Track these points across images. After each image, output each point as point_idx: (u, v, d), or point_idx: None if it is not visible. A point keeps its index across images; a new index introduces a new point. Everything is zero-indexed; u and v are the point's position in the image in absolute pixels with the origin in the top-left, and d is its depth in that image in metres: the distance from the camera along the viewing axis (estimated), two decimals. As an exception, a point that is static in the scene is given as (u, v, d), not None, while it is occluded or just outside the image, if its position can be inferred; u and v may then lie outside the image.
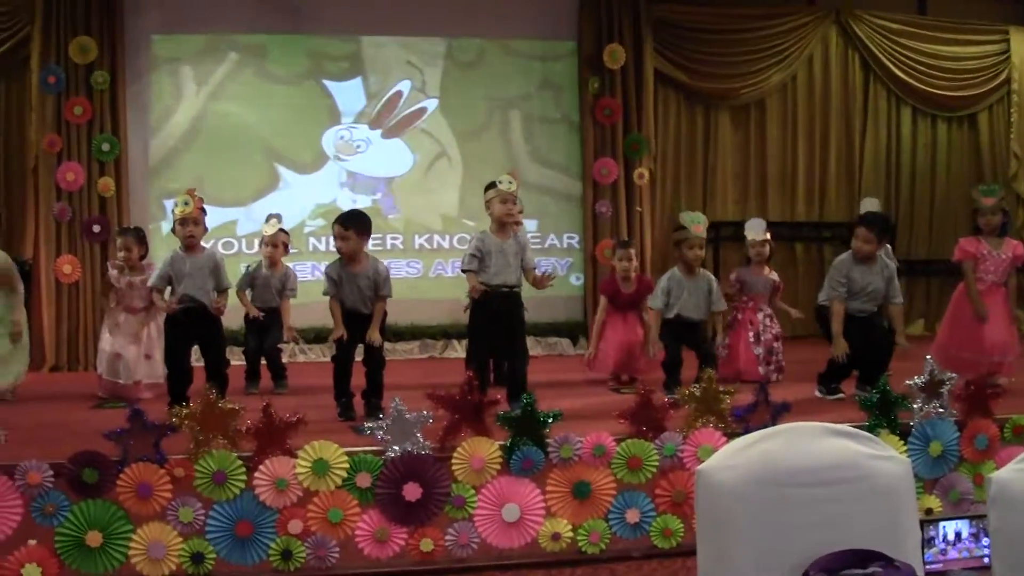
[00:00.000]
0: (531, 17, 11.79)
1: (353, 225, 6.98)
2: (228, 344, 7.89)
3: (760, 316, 8.68)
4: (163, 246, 8.06)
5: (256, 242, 9.04)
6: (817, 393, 7.67)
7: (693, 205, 11.69)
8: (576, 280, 11.80)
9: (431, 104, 11.64)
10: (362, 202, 10.97)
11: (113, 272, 8.20)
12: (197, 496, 4.77)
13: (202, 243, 7.48)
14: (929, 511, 5.46)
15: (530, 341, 10.20)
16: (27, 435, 6.16)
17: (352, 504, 4.88)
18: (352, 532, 4.87)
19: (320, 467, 4.84)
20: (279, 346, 8.57)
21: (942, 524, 3.19)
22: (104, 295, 8.54)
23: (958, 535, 3.18)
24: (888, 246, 8.78)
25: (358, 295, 6.93)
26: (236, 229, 10.95)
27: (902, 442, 5.48)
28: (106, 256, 9.96)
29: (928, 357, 5.76)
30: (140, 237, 8.23)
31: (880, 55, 12.76)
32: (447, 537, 4.95)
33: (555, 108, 11.87)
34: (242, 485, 4.80)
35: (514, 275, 7.24)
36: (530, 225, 10.95)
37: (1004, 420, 5.83)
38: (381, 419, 5.03)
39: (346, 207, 9.82)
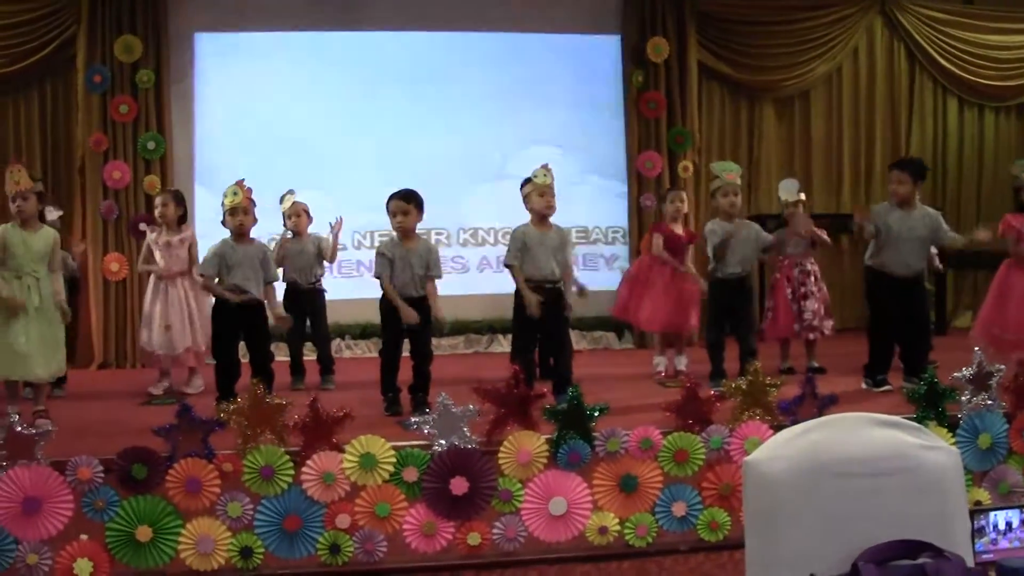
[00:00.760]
0: (574, 11, 11.75)
1: (414, 200, 7.11)
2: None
3: (796, 272, 8.64)
4: (207, 243, 8.10)
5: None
6: (864, 385, 7.64)
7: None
8: (622, 273, 11.77)
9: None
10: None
11: (152, 235, 8.30)
12: (245, 491, 4.80)
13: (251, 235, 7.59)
14: (978, 504, 5.42)
15: (575, 335, 10.24)
16: (77, 431, 6.22)
17: (399, 498, 4.89)
18: (399, 526, 4.89)
19: (367, 462, 4.85)
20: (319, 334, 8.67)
21: (992, 514, 3.16)
22: (145, 264, 8.60)
23: (1009, 525, 3.15)
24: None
25: (410, 275, 7.01)
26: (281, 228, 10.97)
27: (950, 434, 5.44)
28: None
29: (976, 349, 5.71)
30: (178, 197, 8.38)
31: (926, 45, 12.64)
32: (494, 531, 4.96)
33: (599, 102, 11.84)
34: (290, 480, 4.83)
35: (557, 269, 7.26)
36: (575, 219, 10.90)
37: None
38: (428, 413, 5.05)
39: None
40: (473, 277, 11.47)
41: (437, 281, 7.26)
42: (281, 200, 8.74)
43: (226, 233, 7.52)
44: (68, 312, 7.32)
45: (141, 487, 4.74)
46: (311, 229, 8.81)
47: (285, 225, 8.69)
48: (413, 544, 4.89)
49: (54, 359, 7.14)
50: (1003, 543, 3.14)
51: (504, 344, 10.75)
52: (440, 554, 4.91)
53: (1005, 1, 12.95)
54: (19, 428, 4.64)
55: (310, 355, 8.82)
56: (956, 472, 2.35)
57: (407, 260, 7.06)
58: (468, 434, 4.96)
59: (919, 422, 5.19)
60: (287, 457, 4.83)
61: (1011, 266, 7.98)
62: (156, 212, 8.38)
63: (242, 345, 7.60)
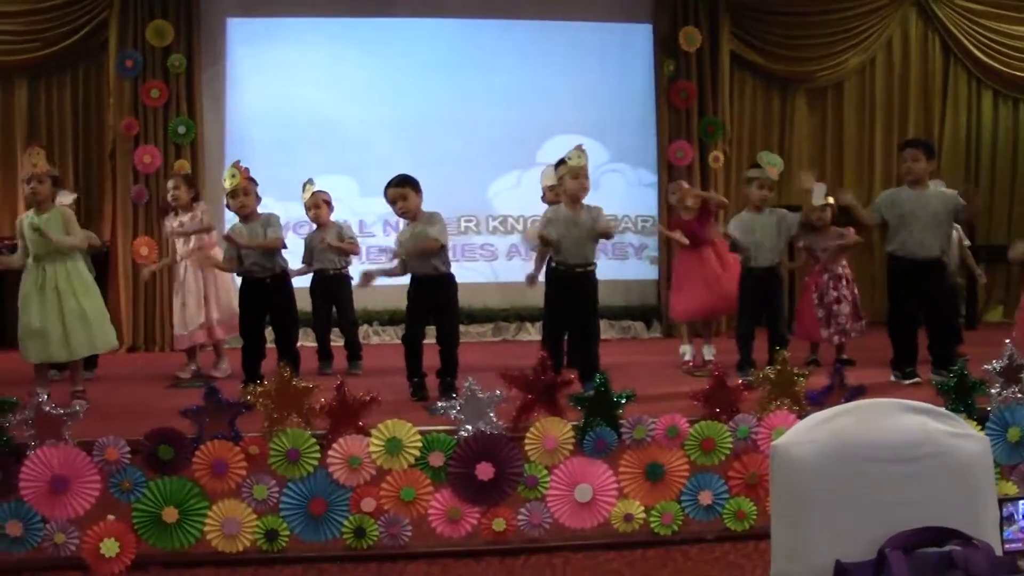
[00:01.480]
0: (607, 0, 11.75)
1: (408, 183, 7.18)
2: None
3: (824, 278, 8.61)
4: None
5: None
6: (892, 378, 7.61)
7: (768, 188, 11.62)
8: (651, 263, 11.76)
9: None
10: (437, 186, 10.99)
11: (168, 225, 8.38)
12: (271, 474, 4.80)
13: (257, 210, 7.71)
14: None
15: (604, 324, 10.25)
16: (105, 413, 6.25)
17: (425, 483, 4.88)
18: (425, 511, 4.88)
19: (393, 446, 4.84)
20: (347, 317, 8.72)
21: (1021, 502, 3.14)
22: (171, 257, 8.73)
23: (1038, 514, 3.13)
24: (958, 227, 8.73)
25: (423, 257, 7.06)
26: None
27: (980, 427, 5.40)
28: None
29: (1007, 341, 5.67)
30: (188, 180, 8.46)
31: (961, 37, 12.55)
32: (519, 517, 4.94)
33: (630, 91, 11.82)
34: (315, 463, 4.82)
35: (589, 253, 7.26)
36: (604, 208, 10.84)
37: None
38: (454, 399, 5.04)
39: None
40: (502, 265, 11.50)
41: (466, 264, 7.33)
42: (303, 189, 8.76)
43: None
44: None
45: (168, 468, 4.74)
46: (334, 216, 8.84)
47: (306, 208, 8.72)
48: (438, 529, 4.88)
49: (78, 338, 7.16)
50: (1032, 532, 3.12)
51: (532, 332, 10.76)
52: (465, 539, 4.90)
53: (1042, -8, 12.85)
54: (47, 408, 4.66)
55: (337, 341, 8.85)
56: (986, 460, 2.33)
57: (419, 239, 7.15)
58: (495, 419, 4.95)
59: (949, 413, 5.17)
60: (313, 440, 4.82)
61: None
62: (168, 196, 8.45)
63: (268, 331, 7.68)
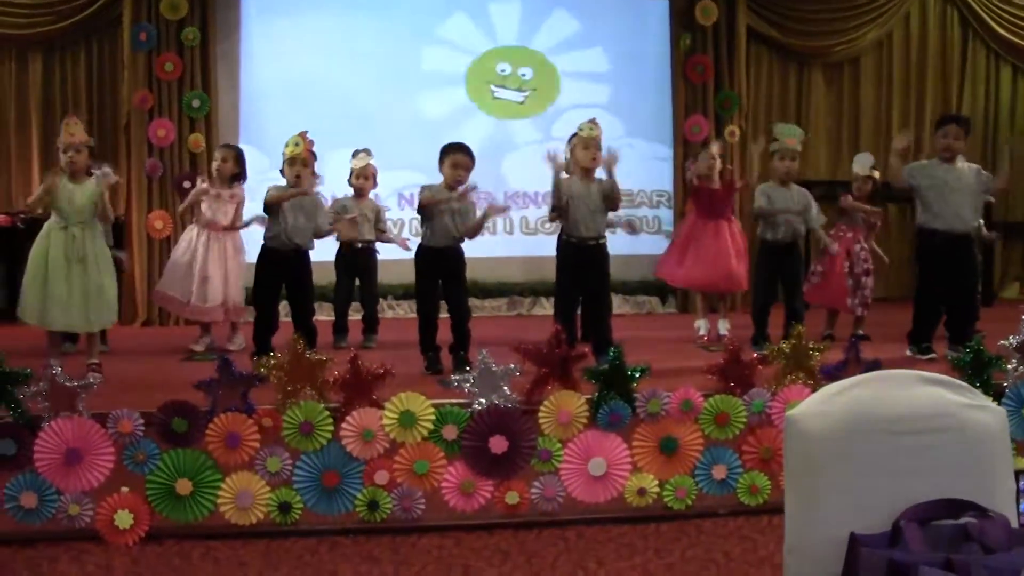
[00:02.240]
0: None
1: (471, 154, 7.14)
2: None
3: (857, 248, 8.59)
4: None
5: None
6: (908, 352, 7.58)
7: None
8: (666, 238, 11.73)
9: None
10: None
11: (203, 184, 8.35)
12: (284, 446, 4.80)
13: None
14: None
15: (618, 299, 10.24)
16: (119, 385, 6.26)
17: (438, 456, 4.88)
18: (438, 484, 4.88)
19: (407, 419, 4.84)
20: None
21: (1037, 475, 3.12)
22: (187, 211, 8.71)
23: (1054, 486, 3.11)
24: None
25: (453, 225, 7.04)
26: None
27: (996, 403, 5.37)
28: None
29: (1024, 317, 5.64)
30: (239, 154, 8.39)
31: (980, 11, 12.46)
32: (533, 490, 4.94)
33: (645, 64, 11.77)
34: (329, 436, 4.82)
35: (600, 226, 7.24)
36: (619, 183, 10.86)
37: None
38: (468, 372, 5.03)
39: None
40: (517, 239, 11.48)
41: (481, 239, 7.36)
42: (354, 155, 8.74)
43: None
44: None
45: (181, 441, 4.75)
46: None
47: (349, 182, 8.70)
48: (451, 502, 4.88)
49: (97, 311, 7.19)
50: (1048, 505, 3.10)
51: (547, 307, 10.75)
52: (478, 512, 4.90)
53: (1064, -35, 12.75)
54: (62, 380, 4.66)
55: (355, 315, 8.83)
56: (1002, 432, 2.32)
57: (453, 211, 7.12)
58: (508, 393, 4.95)
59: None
60: (327, 413, 4.82)
61: None
62: (214, 165, 8.40)
63: (284, 306, 7.68)
